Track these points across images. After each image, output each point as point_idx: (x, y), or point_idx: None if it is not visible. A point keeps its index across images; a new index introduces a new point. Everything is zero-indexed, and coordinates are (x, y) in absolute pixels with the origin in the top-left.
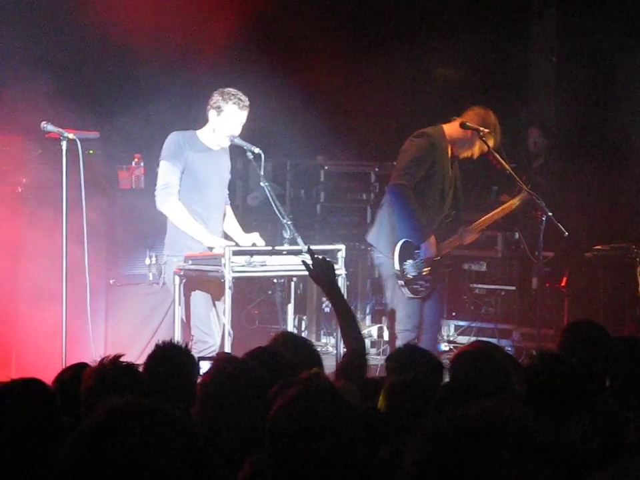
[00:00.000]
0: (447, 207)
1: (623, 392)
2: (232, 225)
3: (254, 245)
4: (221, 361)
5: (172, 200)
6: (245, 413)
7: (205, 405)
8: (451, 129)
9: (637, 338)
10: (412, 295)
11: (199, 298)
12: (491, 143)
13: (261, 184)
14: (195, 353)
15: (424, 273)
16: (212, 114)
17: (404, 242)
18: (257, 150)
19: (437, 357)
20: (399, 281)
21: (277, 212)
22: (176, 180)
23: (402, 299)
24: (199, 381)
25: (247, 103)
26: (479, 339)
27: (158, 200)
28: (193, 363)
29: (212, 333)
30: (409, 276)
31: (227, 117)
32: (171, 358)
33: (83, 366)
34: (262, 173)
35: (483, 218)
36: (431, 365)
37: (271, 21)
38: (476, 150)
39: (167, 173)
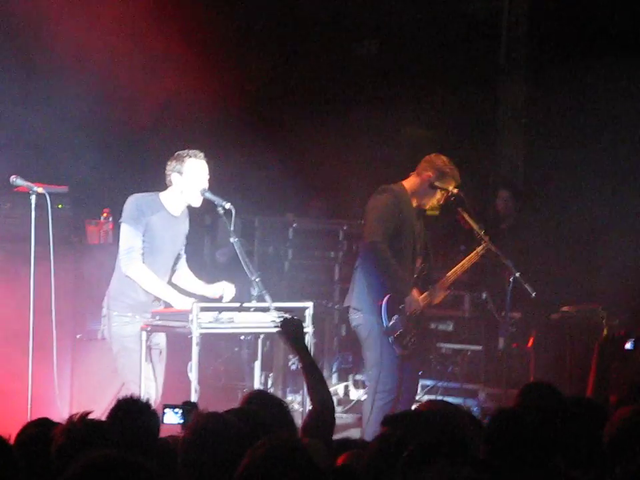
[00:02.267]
0: (419, 260)
1: (574, 453)
2: (193, 281)
3: (221, 297)
4: (202, 416)
5: (136, 264)
6: (226, 469)
7: (186, 461)
8: (410, 183)
9: (591, 399)
10: (402, 350)
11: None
12: (452, 187)
13: (231, 240)
14: None
15: (410, 328)
16: (175, 177)
17: (389, 297)
18: (227, 205)
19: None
20: (390, 338)
21: (246, 268)
22: (139, 243)
23: (387, 357)
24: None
25: (202, 154)
26: (435, 398)
27: (123, 264)
28: (154, 418)
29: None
30: (398, 331)
31: (191, 173)
32: (131, 413)
33: (45, 422)
34: (232, 228)
35: (449, 273)
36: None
37: (240, 81)
38: (439, 196)
39: (130, 237)
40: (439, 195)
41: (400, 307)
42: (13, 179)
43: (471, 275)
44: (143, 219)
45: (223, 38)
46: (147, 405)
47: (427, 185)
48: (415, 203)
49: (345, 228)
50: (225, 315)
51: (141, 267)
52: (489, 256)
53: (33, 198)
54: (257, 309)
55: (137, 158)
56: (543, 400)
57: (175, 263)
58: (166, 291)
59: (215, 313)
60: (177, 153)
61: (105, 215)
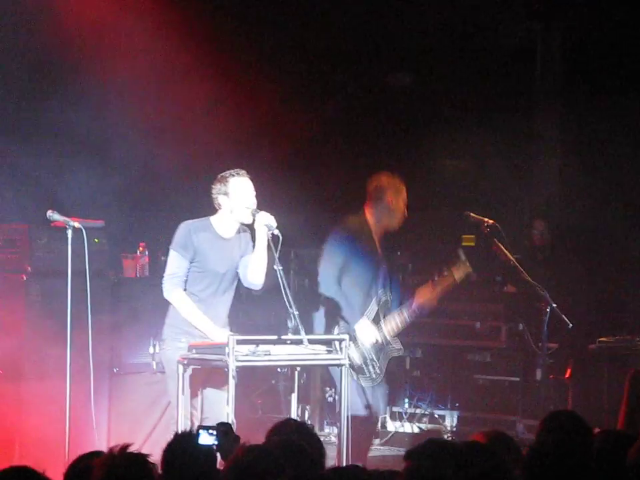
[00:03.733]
0: (381, 288)
1: None
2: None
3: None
4: (244, 449)
5: (177, 290)
6: None
7: None
8: (371, 212)
9: (621, 432)
10: (366, 384)
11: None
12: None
13: (275, 267)
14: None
15: (371, 359)
16: (223, 199)
17: (340, 330)
18: (276, 231)
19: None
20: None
21: (286, 299)
22: (183, 270)
23: (354, 390)
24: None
25: (244, 171)
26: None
27: (164, 288)
28: (210, 454)
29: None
30: (355, 364)
31: (237, 192)
32: (187, 447)
33: (96, 454)
34: (277, 255)
35: (422, 294)
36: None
37: (271, 112)
38: (396, 215)
39: (175, 263)
40: (395, 214)
41: (354, 338)
42: (49, 213)
43: (508, 306)
44: (190, 245)
45: (253, 68)
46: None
47: (388, 208)
48: (382, 229)
49: None
50: (262, 348)
51: (181, 294)
52: (524, 287)
53: (70, 232)
54: (294, 342)
55: (172, 193)
56: (566, 429)
57: (232, 285)
58: (202, 321)
59: (252, 346)
60: (219, 175)
61: (141, 249)
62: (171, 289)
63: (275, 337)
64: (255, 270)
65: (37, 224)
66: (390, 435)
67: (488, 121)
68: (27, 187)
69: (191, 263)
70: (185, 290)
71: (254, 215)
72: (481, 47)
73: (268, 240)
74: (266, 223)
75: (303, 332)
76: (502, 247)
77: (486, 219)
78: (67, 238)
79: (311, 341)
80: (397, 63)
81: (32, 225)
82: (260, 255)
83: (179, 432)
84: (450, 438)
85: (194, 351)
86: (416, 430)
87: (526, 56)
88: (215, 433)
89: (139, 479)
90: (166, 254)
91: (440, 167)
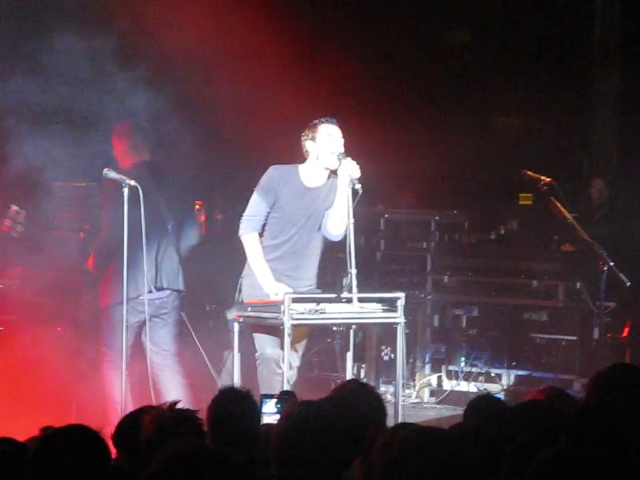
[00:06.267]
0: None
1: None
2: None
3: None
4: (297, 404)
5: (251, 234)
6: (319, 456)
7: (280, 448)
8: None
9: None
10: None
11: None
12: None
13: (347, 220)
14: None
15: None
16: (309, 145)
17: None
18: (358, 185)
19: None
20: None
21: (348, 256)
22: (262, 213)
23: None
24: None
25: (335, 119)
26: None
27: (240, 227)
28: (255, 408)
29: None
30: None
31: (323, 137)
32: (233, 402)
33: (144, 411)
34: (353, 206)
35: None
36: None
37: (331, 71)
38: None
39: (255, 205)
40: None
41: None
42: (105, 171)
43: (565, 264)
44: (272, 191)
45: (315, 28)
46: (247, 395)
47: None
48: None
49: (436, 218)
50: (318, 306)
51: (253, 237)
52: (582, 245)
53: (126, 190)
54: (349, 300)
55: (228, 152)
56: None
57: (315, 235)
58: (262, 272)
59: (308, 304)
60: (310, 123)
61: (197, 207)
62: (245, 230)
63: (331, 295)
64: (334, 220)
65: (93, 182)
66: (446, 393)
67: (546, 78)
68: (82, 146)
69: (271, 208)
70: (263, 235)
71: (339, 160)
72: (538, 3)
73: (347, 194)
74: (350, 172)
75: (355, 291)
76: (559, 206)
77: (543, 177)
78: (123, 196)
79: (363, 300)
80: (455, 21)
81: (88, 183)
82: (340, 205)
83: (223, 388)
84: (507, 398)
85: (249, 308)
86: (472, 389)
87: (584, 11)
88: (278, 401)
89: (189, 434)
90: (221, 213)
91: (497, 125)
